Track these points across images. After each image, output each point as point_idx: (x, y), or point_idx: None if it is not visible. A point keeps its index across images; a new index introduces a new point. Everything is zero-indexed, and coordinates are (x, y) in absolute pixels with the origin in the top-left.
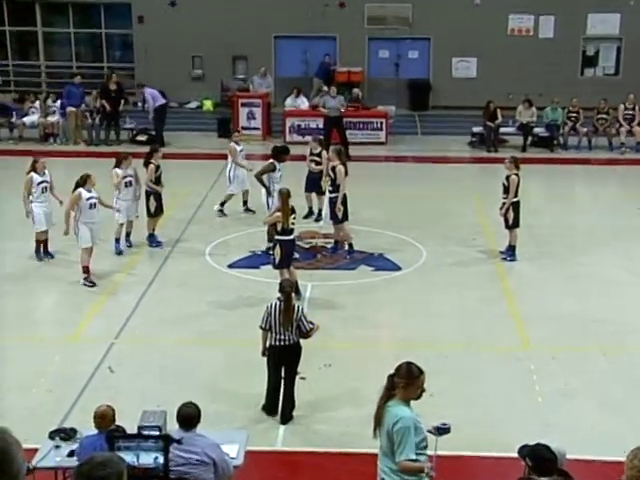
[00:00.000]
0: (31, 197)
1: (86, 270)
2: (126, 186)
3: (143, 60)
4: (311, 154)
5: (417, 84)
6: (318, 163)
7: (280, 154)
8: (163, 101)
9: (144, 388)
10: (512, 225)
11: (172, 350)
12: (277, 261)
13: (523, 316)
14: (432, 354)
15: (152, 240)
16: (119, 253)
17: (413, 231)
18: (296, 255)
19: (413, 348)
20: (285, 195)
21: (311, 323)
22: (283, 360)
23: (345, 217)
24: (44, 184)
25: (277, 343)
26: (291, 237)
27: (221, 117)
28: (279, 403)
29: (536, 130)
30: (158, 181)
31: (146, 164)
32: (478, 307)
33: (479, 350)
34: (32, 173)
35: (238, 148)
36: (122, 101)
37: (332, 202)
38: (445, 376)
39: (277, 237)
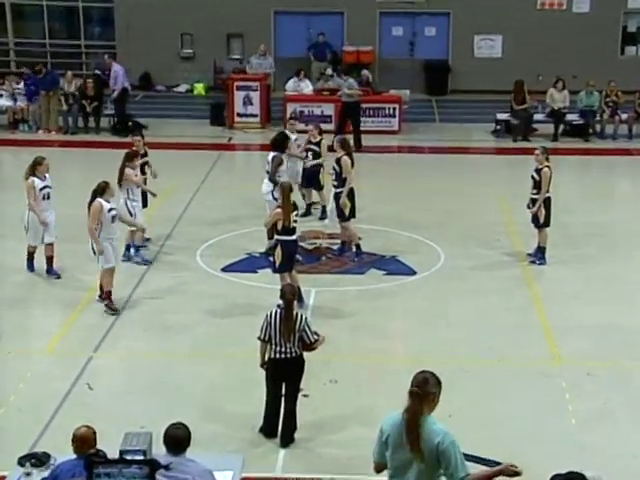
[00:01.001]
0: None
1: (109, 295)
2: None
3: (125, 38)
4: (309, 142)
5: (434, 65)
6: (317, 154)
7: (282, 143)
8: (128, 84)
9: (127, 407)
10: (542, 224)
11: (158, 364)
12: (277, 264)
13: (554, 327)
14: (451, 369)
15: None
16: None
17: (429, 230)
18: (298, 257)
19: (429, 362)
20: (287, 189)
21: (316, 334)
22: (284, 375)
23: (352, 214)
24: (47, 190)
25: (277, 356)
26: (293, 237)
27: (214, 102)
28: (279, 424)
29: (569, 117)
30: (141, 170)
31: None
32: (503, 316)
33: (504, 365)
34: (33, 177)
35: (293, 137)
36: (100, 104)
37: (338, 198)
38: (465, 394)
39: (277, 237)
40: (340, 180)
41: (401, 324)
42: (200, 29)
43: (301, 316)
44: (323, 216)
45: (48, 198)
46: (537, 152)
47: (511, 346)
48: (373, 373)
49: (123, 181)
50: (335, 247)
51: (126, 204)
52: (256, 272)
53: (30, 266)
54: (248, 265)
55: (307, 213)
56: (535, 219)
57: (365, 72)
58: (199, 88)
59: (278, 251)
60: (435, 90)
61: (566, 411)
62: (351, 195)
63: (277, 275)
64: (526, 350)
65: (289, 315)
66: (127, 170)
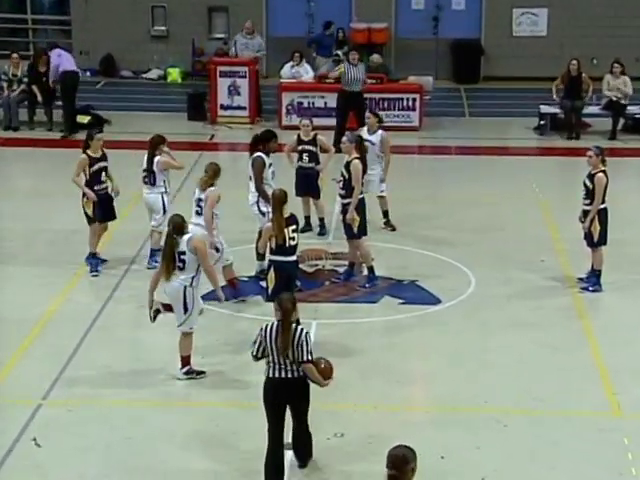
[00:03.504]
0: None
1: (188, 360)
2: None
3: (82, 11)
4: (300, 142)
5: (464, 46)
6: (312, 154)
7: (266, 142)
8: (74, 68)
9: (83, 468)
10: (597, 242)
11: (123, 415)
12: (271, 290)
13: (612, 369)
14: (484, 421)
15: (91, 260)
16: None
17: (457, 249)
18: (297, 283)
19: (456, 411)
20: (278, 199)
21: (325, 361)
22: (284, 399)
23: (363, 231)
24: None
25: (275, 374)
26: (291, 258)
27: (193, 92)
28: (284, 464)
29: (630, 109)
30: (96, 179)
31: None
32: (548, 356)
33: (550, 417)
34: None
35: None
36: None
37: (346, 210)
38: (502, 452)
39: (271, 257)
40: (349, 189)
41: (422, 365)
42: (175, 1)
43: (301, 329)
44: (323, 231)
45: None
46: (590, 153)
47: (559, 393)
48: (387, 425)
49: (158, 172)
50: (341, 270)
51: (162, 198)
52: (244, 300)
53: None
54: (235, 291)
55: (306, 227)
56: (588, 236)
57: (376, 56)
58: (174, 74)
59: (271, 275)
60: (464, 77)
61: (629, 475)
62: (361, 208)
63: (270, 304)
64: (577, 398)
65: (286, 326)
66: (159, 159)
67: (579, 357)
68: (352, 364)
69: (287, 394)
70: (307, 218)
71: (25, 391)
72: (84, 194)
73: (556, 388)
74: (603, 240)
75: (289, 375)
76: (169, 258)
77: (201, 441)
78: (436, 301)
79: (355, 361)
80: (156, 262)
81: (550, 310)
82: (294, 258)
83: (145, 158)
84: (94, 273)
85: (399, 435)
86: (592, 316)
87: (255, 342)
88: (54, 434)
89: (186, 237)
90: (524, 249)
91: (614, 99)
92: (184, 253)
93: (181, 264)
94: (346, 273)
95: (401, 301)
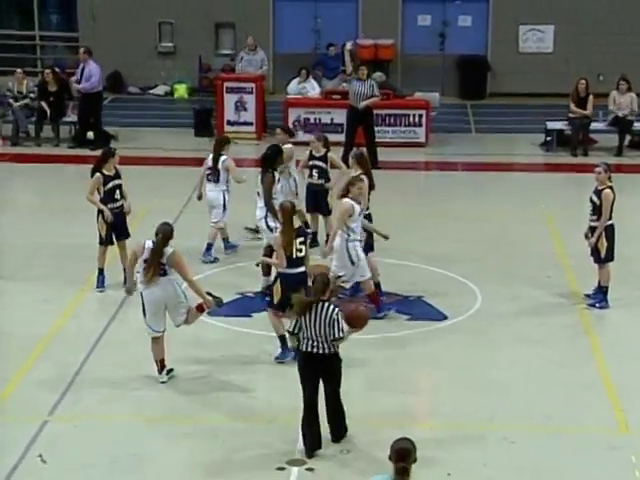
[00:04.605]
0: None
1: (163, 363)
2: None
3: (90, 28)
4: (312, 158)
5: (470, 62)
6: (322, 171)
7: (276, 158)
8: (101, 88)
9: None
10: (604, 258)
11: (128, 431)
12: (275, 301)
13: (619, 386)
14: (491, 438)
15: (99, 279)
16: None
17: (463, 265)
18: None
19: (463, 428)
20: (287, 211)
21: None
22: (315, 372)
23: (370, 246)
24: None
25: (307, 349)
26: (298, 270)
27: (199, 108)
28: (319, 432)
29: (637, 126)
30: (110, 197)
31: (94, 172)
32: (555, 373)
33: (557, 434)
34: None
35: None
36: (68, 103)
37: None
38: (509, 468)
39: (278, 270)
40: None
41: (428, 381)
42: (182, 17)
43: (333, 308)
44: None
45: None
46: (599, 169)
47: (565, 410)
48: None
49: (222, 171)
50: (347, 285)
51: (224, 195)
52: (251, 316)
53: None
54: (241, 307)
55: (313, 243)
56: (595, 252)
57: (378, 74)
58: (181, 90)
59: (277, 287)
60: (471, 93)
61: None
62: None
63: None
64: (585, 415)
65: (319, 304)
66: (226, 158)
67: (586, 373)
68: (357, 379)
69: (318, 368)
70: (314, 234)
71: (31, 407)
72: (98, 214)
73: (563, 404)
74: (610, 256)
75: (320, 351)
76: (156, 265)
77: (206, 457)
78: (442, 317)
79: (360, 376)
80: (210, 256)
81: (557, 326)
82: (302, 270)
83: (210, 157)
84: (100, 289)
85: None
86: (599, 332)
87: (293, 323)
88: (60, 450)
89: (169, 251)
90: (530, 265)
91: (620, 115)
92: (164, 264)
93: (162, 271)
94: (352, 289)
95: (407, 317)
